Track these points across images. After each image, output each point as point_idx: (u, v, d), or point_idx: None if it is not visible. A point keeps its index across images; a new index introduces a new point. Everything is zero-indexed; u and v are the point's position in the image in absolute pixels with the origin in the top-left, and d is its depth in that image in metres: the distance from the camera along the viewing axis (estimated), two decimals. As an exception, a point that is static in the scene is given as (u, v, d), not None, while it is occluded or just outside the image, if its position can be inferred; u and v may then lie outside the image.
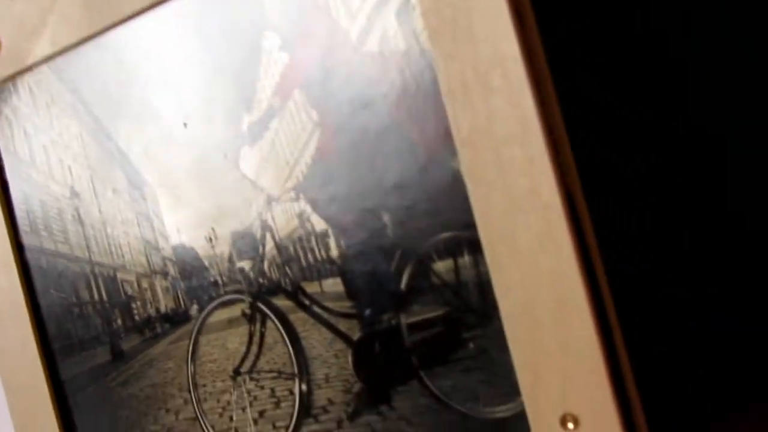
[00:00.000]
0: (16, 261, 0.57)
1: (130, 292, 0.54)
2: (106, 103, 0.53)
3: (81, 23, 0.53)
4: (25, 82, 0.56)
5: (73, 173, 0.55)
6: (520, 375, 0.42)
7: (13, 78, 0.56)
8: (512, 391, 0.42)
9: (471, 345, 0.43)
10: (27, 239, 0.57)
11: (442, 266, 0.44)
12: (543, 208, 0.41)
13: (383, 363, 0.46)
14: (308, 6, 0.45)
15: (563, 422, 0.41)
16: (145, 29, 0.50)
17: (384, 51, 0.44)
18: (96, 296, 0.55)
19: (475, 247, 0.42)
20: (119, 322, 0.55)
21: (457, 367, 0.44)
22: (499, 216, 0.42)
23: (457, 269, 0.43)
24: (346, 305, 0.47)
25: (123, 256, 0.54)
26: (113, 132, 0.53)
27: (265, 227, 0.49)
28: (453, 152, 0.42)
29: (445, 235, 0.43)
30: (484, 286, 0.43)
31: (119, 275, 0.54)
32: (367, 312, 0.46)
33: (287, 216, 0.48)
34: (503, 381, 0.43)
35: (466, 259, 0.43)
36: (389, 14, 0.44)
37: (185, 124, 0.50)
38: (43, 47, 0.54)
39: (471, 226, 0.42)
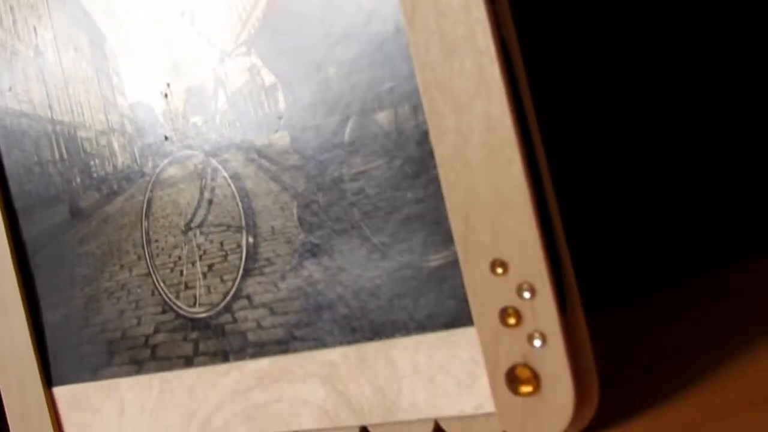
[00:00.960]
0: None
1: (89, 149, 0.56)
2: None
3: None
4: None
5: (38, 33, 0.56)
6: (452, 221, 0.43)
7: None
8: (447, 239, 0.44)
9: (409, 194, 0.45)
10: (-9, 98, 0.59)
11: (383, 117, 0.45)
12: (478, 54, 0.42)
13: (326, 215, 0.47)
14: None
15: (492, 267, 0.43)
16: None
17: None
18: (57, 155, 0.57)
19: (414, 97, 0.44)
20: (78, 180, 0.56)
21: (395, 216, 0.45)
22: (437, 63, 0.43)
23: (397, 119, 0.45)
24: (292, 158, 0.48)
25: (83, 114, 0.55)
26: None
27: (218, 82, 0.50)
28: (396, 4, 0.43)
29: (387, 85, 0.45)
30: (422, 136, 0.44)
31: (79, 133, 0.56)
32: (312, 164, 0.47)
33: (239, 70, 0.50)
34: (438, 230, 0.44)
35: (406, 109, 0.44)
36: None
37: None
38: None
39: (412, 77, 0.44)
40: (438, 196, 0.44)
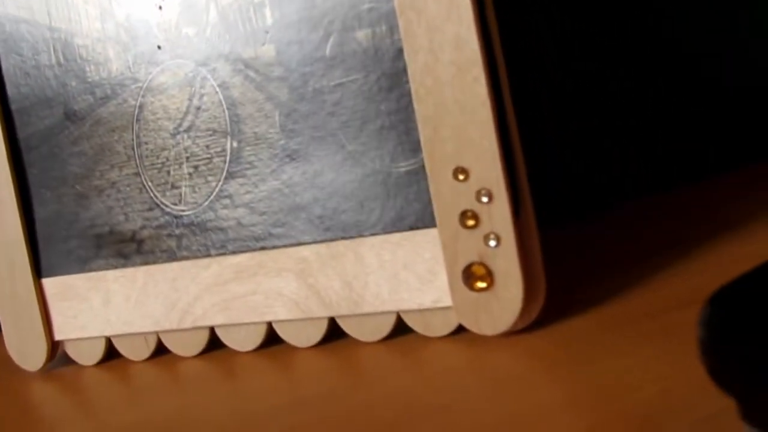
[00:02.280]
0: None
1: (84, 55, 0.60)
2: None
3: None
4: None
5: (39, -57, 0.61)
6: (421, 131, 0.49)
7: None
8: (415, 148, 0.50)
9: (383, 107, 0.50)
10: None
11: (362, 35, 0.51)
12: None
13: (306, 123, 0.53)
14: None
15: (455, 174, 0.49)
16: None
17: None
18: (53, 60, 0.62)
19: (391, 18, 0.49)
20: (73, 84, 0.61)
21: (369, 126, 0.51)
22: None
23: (374, 37, 0.50)
24: (277, 70, 0.53)
25: (80, 22, 0.60)
26: None
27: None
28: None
29: (367, 6, 0.50)
30: (397, 53, 0.49)
31: (75, 40, 0.61)
32: (295, 76, 0.53)
33: (231, -14, 0.54)
34: (408, 139, 0.50)
35: (383, 29, 0.50)
36: None
37: None
38: None
39: (390, -1, 0.49)
40: (409, 109, 0.49)
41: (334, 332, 0.54)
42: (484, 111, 0.46)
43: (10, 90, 0.62)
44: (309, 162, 0.52)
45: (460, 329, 0.50)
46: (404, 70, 0.48)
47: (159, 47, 0.56)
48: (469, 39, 0.46)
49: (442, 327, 0.51)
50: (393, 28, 0.48)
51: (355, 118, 0.50)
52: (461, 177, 0.47)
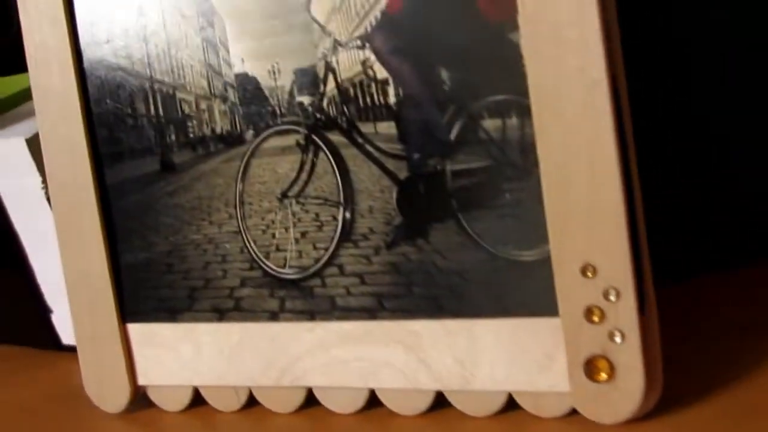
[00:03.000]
0: (74, 65, 0.63)
1: (187, 111, 0.61)
2: None
3: None
4: None
5: (143, -6, 0.61)
6: (550, 226, 0.50)
7: None
8: (540, 239, 0.51)
9: (508, 195, 0.52)
10: (88, 49, 0.63)
11: (491, 124, 0.52)
12: (591, 85, 0.48)
13: (425, 202, 0.54)
14: None
15: (583, 270, 0.50)
16: None
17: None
18: (152, 111, 0.62)
19: (523, 111, 0.50)
20: (173, 137, 0.62)
21: (492, 213, 0.52)
22: (550, 88, 0.49)
23: (504, 128, 0.51)
24: (396, 147, 0.54)
25: (184, 77, 0.61)
26: None
27: (329, 68, 0.56)
28: (514, 27, 0.49)
29: (498, 97, 0.51)
30: (526, 146, 0.51)
31: (178, 94, 0.61)
32: (416, 156, 0.54)
33: (351, 61, 0.55)
34: (533, 229, 0.51)
35: (513, 121, 0.51)
36: None
37: (261, -36, 0.56)
38: None
39: (522, 93, 0.50)
40: (536, 201, 0.51)
41: (440, 402, 0.55)
42: (617, 213, 0.48)
43: (101, 133, 0.63)
44: (426, 240, 0.53)
45: (572, 411, 0.51)
46: (534, 163, 0.49)
47: (270, 112, 0.57)
48: (607, 146, 0.48)
49: (554, 409, 0.53)
50: (525, 122, 0.49)
51: (477, 202, 0.51)
52: (589, 274, 0.49)
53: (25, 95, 0.83)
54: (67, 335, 0.78)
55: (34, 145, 0.71)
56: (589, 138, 0.47)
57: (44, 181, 0.71)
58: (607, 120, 0.47)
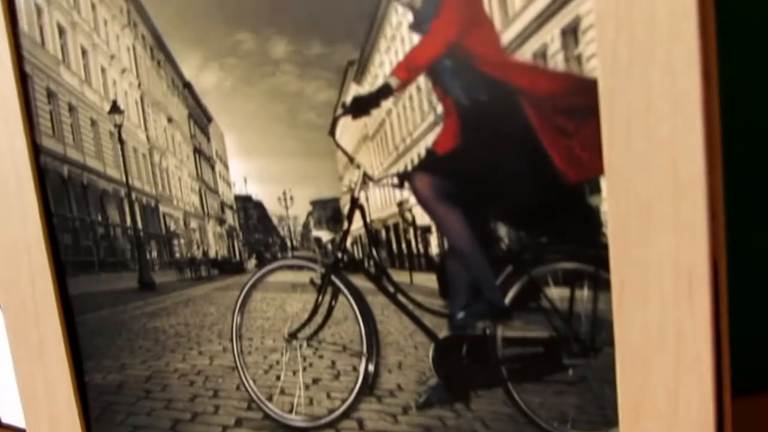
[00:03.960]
0: (31, 163, 0.51)
1: (172, 227, 0.50)
2: (177, 28, 0.47)
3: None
4: (65, -28, 0.49)
5: (118, 87, 0.49)
6: (622, 412, 0.42)
7: (49, -38, 0.49)
8: (605, 422, 0.43)
9: (570, 371, 0.43)
10: (47, 142, 0.51)
11: (556, 293, 0.43)
12: (687, 271, 0.40)
13: (468, 366, 0.45)
14: (458, -7, 0.41)
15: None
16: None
17: (538, 66, 0.41)
18: (128, 221, 0.51)
19: (598, 284, 0.42)
20: (154, 253, 0.51)
21: (550, 387, 0.44)
22: (638, 267, 0.41)
23: (572, 300, 0.43)
24: (437, 303, 0.45)
25: (170, 190, 0.50)
26: (178, 59, 0.47)
27: (356, 204, 0.46)
28: (596, 190, 0.40)
29: (568, 265, 0.42)
30: (598, 322, 0.42)
31: (162, 207, 0.50)
32: (460, 315, 0.45)
33: (384, 200, 0.45)
34: (598, 411, 0.43)
35: (584, 293, 0.42)
36: (554, 29, 0.40)
37: (273, 73, 0.45)
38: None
39: (600, 265, 0.41)
40: (605, 382, 0.43)
41: None
42: (705, 416, 0.40)
43: (64, 240, 0.52)
44: (467, 406, 0.45)
45: None
46: (607, 342, 0.41)
47: (280, 242, 0.47)
48: (701, 337, 0.40)
49: None
50: (599, 295, 0.41)
51: (532, 374, 0.43)
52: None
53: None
54: (7, 415, 0.67)
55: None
56: (676, 332, 0.39)
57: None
58: (704, 311, 0.39)
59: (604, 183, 0.40)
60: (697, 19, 0.38)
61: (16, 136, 0.51)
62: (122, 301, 0.51)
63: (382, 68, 0.43)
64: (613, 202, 0.41)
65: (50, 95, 0.49)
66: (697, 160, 0.39)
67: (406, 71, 0.43)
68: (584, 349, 0.43)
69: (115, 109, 0.48)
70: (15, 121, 0.51)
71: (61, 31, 0.48)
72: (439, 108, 0.42)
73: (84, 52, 0.48)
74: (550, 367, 0.44)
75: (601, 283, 0.42)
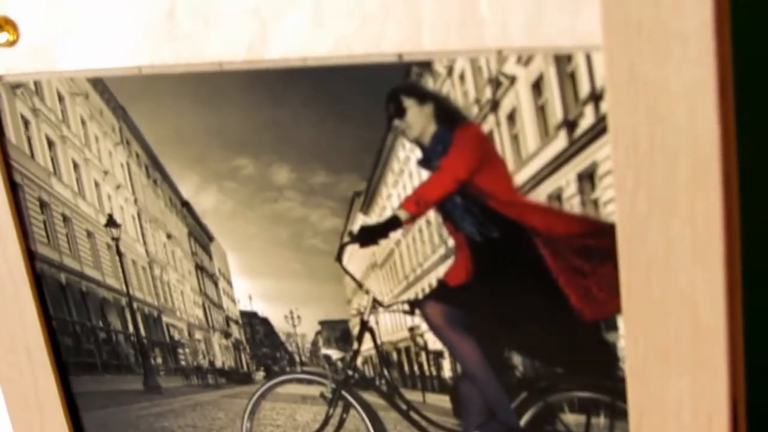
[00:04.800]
0: (26, 268, 0.49)
1: (177, 337, 0.48)
2: (172, 148, 0.44)
3: (140, 47, 0.43)
4: (53, 87, 0.46)
5: (113, 201, 0.47)
6: None
7: (35, 74, 0.46)
8: None
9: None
10: (41, 249, 0.49)
11: (572, 419, 0.42)
12: (706, 415, 0.39)
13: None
14: (468, 133, 0.39)
15: None
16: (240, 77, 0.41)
17: (552, 208, 0.39)
18: (131, 329, 0.49)
19: (615, 413, 0.41)
20: (158, 360, 0.49)
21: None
22: (655, 405, 0.40)
23: (588, 427, 0.42)
24: (450, 422, 0.44)
25: (172, 302, 0.48)
26: (175, 178, 0.45)
27: (365, 327, 0.44)
28: (613, 327, 0.39)
29: (584, 394, 0.41)
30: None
31: (164, 318, 0.48)
32: (474, 433, 0.44)
33: (395, 325, 0.44)
34: None
35: (601, 420, 0.41)
36: (569, 173, 0.38)
37: (275, 199, 0.43)
38: (81, 57, 0.44)
39: (617, 395, 0.40)
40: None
41: None
42: None
43: (65, 341, 0.50)
44: None
45: None
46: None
47: (288, 358, 0.46)
48: None
49: None
50: (615, 423, 0.40)
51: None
52: None
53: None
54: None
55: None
56: None
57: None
58: None
59: (620, 321, 0.39)
60: (720, 169, 0.37)
61: (9, 243, 0.49)
62: (128, 401, 0.50)
63: (389, 200, 0.41)
64: (631, 343, 0.40)
65: (43, 205, 0.47)
66: (717, 309, 0.38)
67: (416, 206, 0.41)
68: (601, 472, 0.42)
69: (111, 222, 0.46)
70: (7, 229, 0.49)
71: (51, 144, 0.46)
72: (450, 241, 0.41)
73: (76, 166, 0.45)
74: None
75: (617, 413, 0.41)
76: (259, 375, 0.46)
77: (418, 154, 0.40)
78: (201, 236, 0.45)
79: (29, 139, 0.46)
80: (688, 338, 0.38)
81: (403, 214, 0.41)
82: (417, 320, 0.43)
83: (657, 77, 0.35)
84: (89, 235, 0.47)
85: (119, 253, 0.46)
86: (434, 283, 0.42)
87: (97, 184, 0.46)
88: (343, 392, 0.45)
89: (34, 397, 0.51)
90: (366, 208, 0.41)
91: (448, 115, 0.39)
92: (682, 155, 0.36)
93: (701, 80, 0.35)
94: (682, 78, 0.35)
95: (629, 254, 0.38)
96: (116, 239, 0.46)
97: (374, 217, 0.42)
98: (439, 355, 0.43)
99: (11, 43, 0.45)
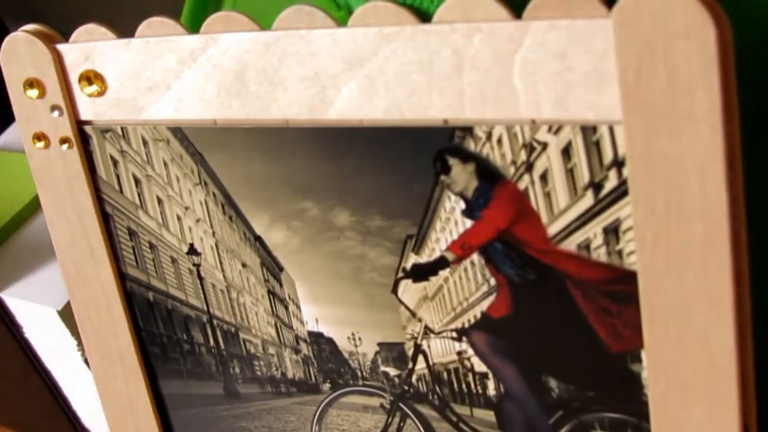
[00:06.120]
0: (118, 288, 0.57)
1: (252, 351, 0.55)
2: (245, 191, 0.51)
3: (214, 103, 0.49)
4: (137, 132, 0.53)
5: (194, 234, 0.54)
6: None
7: (122, 122, 0.53)
8: None
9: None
10: (131, 271, 0.56)
11: (603, 435, 0.48)
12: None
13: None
14: (506, 189, 0.45)
15: None
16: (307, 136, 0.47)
17: (582, 256, 0.45)
18: (211, 342, 0.56)
19: (641, 430, 0.47)
20: (237, 370, 0.56)
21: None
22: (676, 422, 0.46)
23: (614, 444, 0.48)
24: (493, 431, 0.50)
25: (247, 321, 0.55)
26: (248, 216, 0.51)
27: (419, 350, 0.51)
28: (638, 359, 0.45)
29: (612, 415, 0.47)
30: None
31: (242, 334, 0.55)
32: (517, 445, 0.50)
33: (445, 349, 0.50)
34: None
35: (626, 440, 0.47)
36: (596, 227, 0.44)
37: (337, 237, 0.49)
38: (162, 109, 0.51)
39: (642, 417, 0.46)
40: None
41: None
42: None
43: (152, 351, 0.57)
44: None
45: None
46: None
47: (352, 373, 0.52)
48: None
49: None
50: (641, 442, 0.46)
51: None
52: None
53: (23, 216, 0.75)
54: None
55: (66, 314, 0.64)
56: None
57: (80, 345, 0.65)
58: None
59: (644, 355, 0.45)
60: (729, 229, 0.42)
61: (103, 266, 0.56)
62: (210, 403, 0.57)
63: (438, 243, 0.47)
64: (652, 376, 0.45)
65: (131, 233, 0.54)
66: (729, 352, 0.44)
67: (461, 249, 0.47)
68: (629, 481, 0.48)
69: (192, 251, 0.53)
70: (101, 253, 0.56)
71: (137, 181, 0.52)
72: (492, 281, 0.47)
73: (160, 201, 0.52)
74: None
75: (644, 431, 0.46)
76: (326, 386, 0.53)
77: (462, 205, 0.45)
78: (272, 266, 0.51)
79: (118, 177, 0.53)
80: (703, 374, 0.44)
81: (450, 256, 0.47)
82: (464, 346, 0.49)
83: (672, 151, 0.40)
84: (173, 260, 0.54)
85: (200, 278, 0.53)
86: (479, 315, 0.48)
87: (179, 218, 0.52)
88: (401, 404, 0.52)
89: (126, 397, 0.58)
90: (417, 249, 0.47)
91: (488, 173, 0.44)
92: (695, 218, 0.41)
93: (711, 156, 0.40)
94: (694, 153, 0.40)
95: (650, 301, 0.44)
96: (197, 265, 0.53)
97: (424, 257, 0.48)
98: (484, 376, 0.49)
99: (100, 94, 0.51)
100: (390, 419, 0.52)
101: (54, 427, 0.75)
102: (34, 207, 0.74)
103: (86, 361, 0.64)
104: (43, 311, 0.64)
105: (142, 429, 0.58)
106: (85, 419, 0.73)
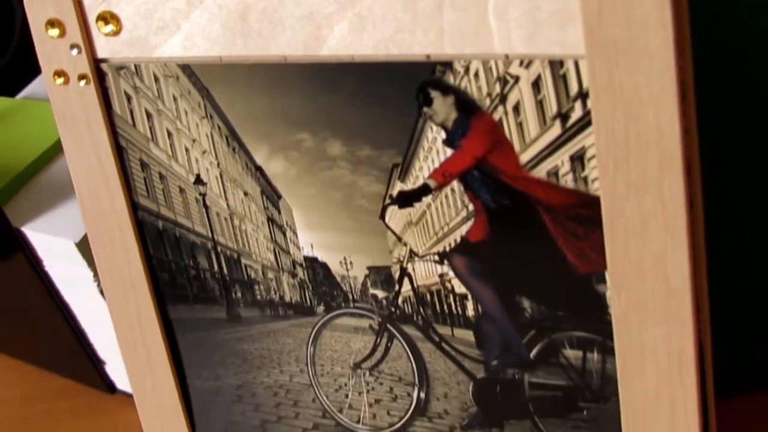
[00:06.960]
0: (130, 217, 0.62)
1: (253, 276, 0.60)
2: (247, 124, 0.56)
3: (220, 41, 0.54)
4: (150, 69, 0.58)
5: (200, 164, 0.59)
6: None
7: (135, 60, 0.58)
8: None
9: (585, 412, 0.54)
10: (142, 201, 0.61)
11: (571, 353, 0.53)
12: (676, 354, 0.49)
13: (501, 401, 0.56)
14: (483, 120, 0.49)
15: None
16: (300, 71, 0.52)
17: (551, 183, 0.49)
18: (216, 268, 0.61)
19: (605, 350, 0.51)
20: (239, 294, 0.62)
21: (568, 422, 0.54)
22: (636, 341, 0.50)
23: (584, 360, 0.52)
24: (474, 352, 0.55)
25: (248, 247, 0.60)
26: (249, 147, 0.56)
27: (404, 273, 0.56)
28: (602, 280, 0.50)
29: (581, 333, 0.52)
30: (606, 378, 0.52)
31: (243, 260, 0.60)
32: (494, 363, 0.55)
33: (428, 271, 0.55)
34: (609, 436, 0.53)
35: (595, 356, 0.52)
36: (564, 155, 0.48)
37: (330, 167, 0.54)
38: (172, 48, 0.56)
39: (606, 336, 0.51)
40: (612, 422, 0.53)
41: None
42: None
43: (162, 278, 0.62)
44: (501, 430, 0.56)
45: None
46: (613, 393, 0.51)
47: (344, 295, 0.57)
48: (689, 401, 0.49)
49: None
50: (606, 358, 0.50)
51: (554, 411, 0.54)
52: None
53: (41, 162, 0.80)
54: (120, 383, 0.80)
55: (83, 246, 0.69)
56: (672, 398, 0.49)
57: (96, 276, 0.70)
58: (693, 387, 0.48)
59: (607, 276, 0.49)
60: (682, 159, 0.46)
61: (116, 196, 0.61)
62: (214, 327, 0.62)
63: (421, 172, 0.52)
64: (614, 296, 0.50)
65: (143, 165, 0.59)
66: (683, 272, 0.48)
67: (442, 176, 0.51)
68: (595, 397, 0.53)
69: (198, 181, 0.58)
70: (114, 185, 0.61)
71: (149, 116, 0.57)
72: (471, 206, 0.51)
73: (169, 134, 0.57)
74: (568, 408, 0.54)
75: (608, 350, 0.51)
76: (320, 309, 0.58)
77: (443, 135, 0.50)
78: (271, 195, 0.56)
79: (131, 111, 0.58)
80: (661, 294, 0.48)
81: (432, 183, 0.52)
82: (445, 269, 0.53)
83: (630, 84, 0.45)
84: (181, 190, 0.59)
85: (206, 206, 0.58)
86: (458, 239, 0.52)
87: (187, 150, 0.57)
88: (388, 325, 0.57)
89: (137, 322, 0.64)
90: (403, 177, 0.52)
91: (466, 105, 0.49)
92: (652, 147, 0.46)
93: (665, 88, 0.44)
94: (650, 86, 0.44)
95: (611, 225, 0.48)
96: (203, 195, 0.58)
97: (409, 185, 0.52)
98: (464, 297, 0.54)
99: (115, 33, 0.56)
100: (378, 340, 0.57)
101: (72, 362, 0.80)
102: (56, 149, 0.79)
103: (102, 293, 0.69)
104: (62, 244, 0.69)
105: (151, 353, 0.63)
106: (102, 352, 0.78)
